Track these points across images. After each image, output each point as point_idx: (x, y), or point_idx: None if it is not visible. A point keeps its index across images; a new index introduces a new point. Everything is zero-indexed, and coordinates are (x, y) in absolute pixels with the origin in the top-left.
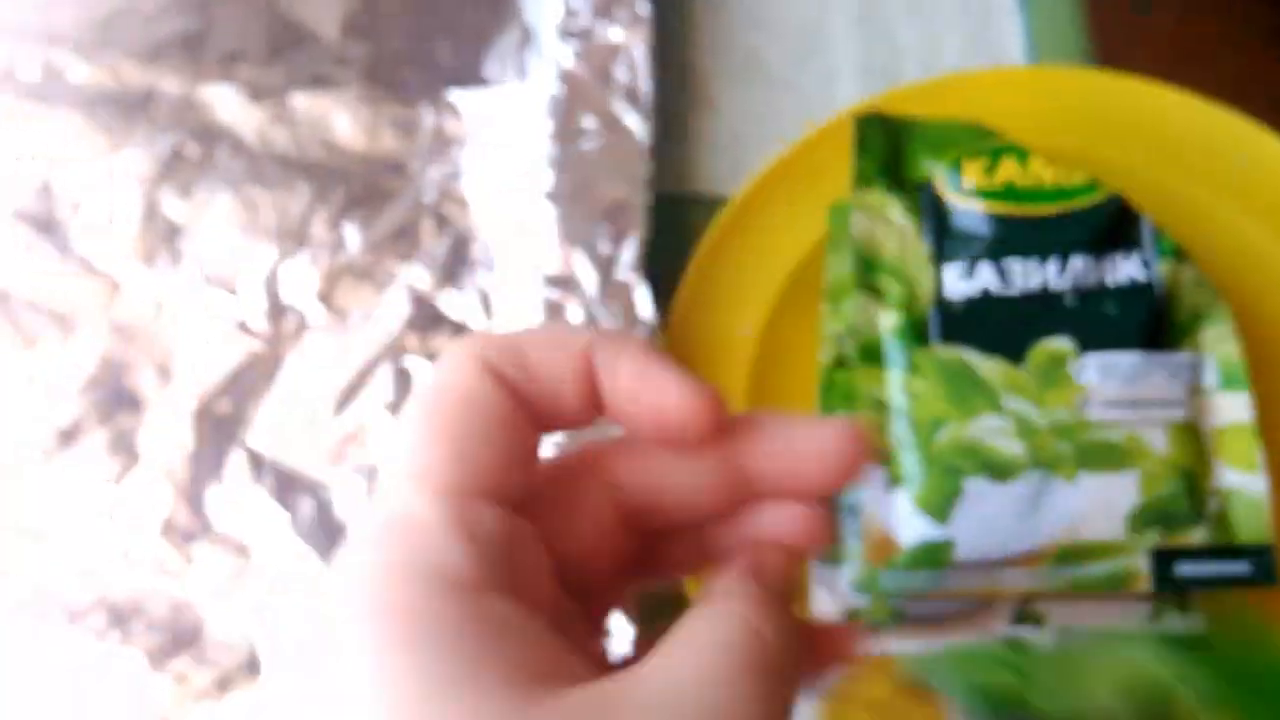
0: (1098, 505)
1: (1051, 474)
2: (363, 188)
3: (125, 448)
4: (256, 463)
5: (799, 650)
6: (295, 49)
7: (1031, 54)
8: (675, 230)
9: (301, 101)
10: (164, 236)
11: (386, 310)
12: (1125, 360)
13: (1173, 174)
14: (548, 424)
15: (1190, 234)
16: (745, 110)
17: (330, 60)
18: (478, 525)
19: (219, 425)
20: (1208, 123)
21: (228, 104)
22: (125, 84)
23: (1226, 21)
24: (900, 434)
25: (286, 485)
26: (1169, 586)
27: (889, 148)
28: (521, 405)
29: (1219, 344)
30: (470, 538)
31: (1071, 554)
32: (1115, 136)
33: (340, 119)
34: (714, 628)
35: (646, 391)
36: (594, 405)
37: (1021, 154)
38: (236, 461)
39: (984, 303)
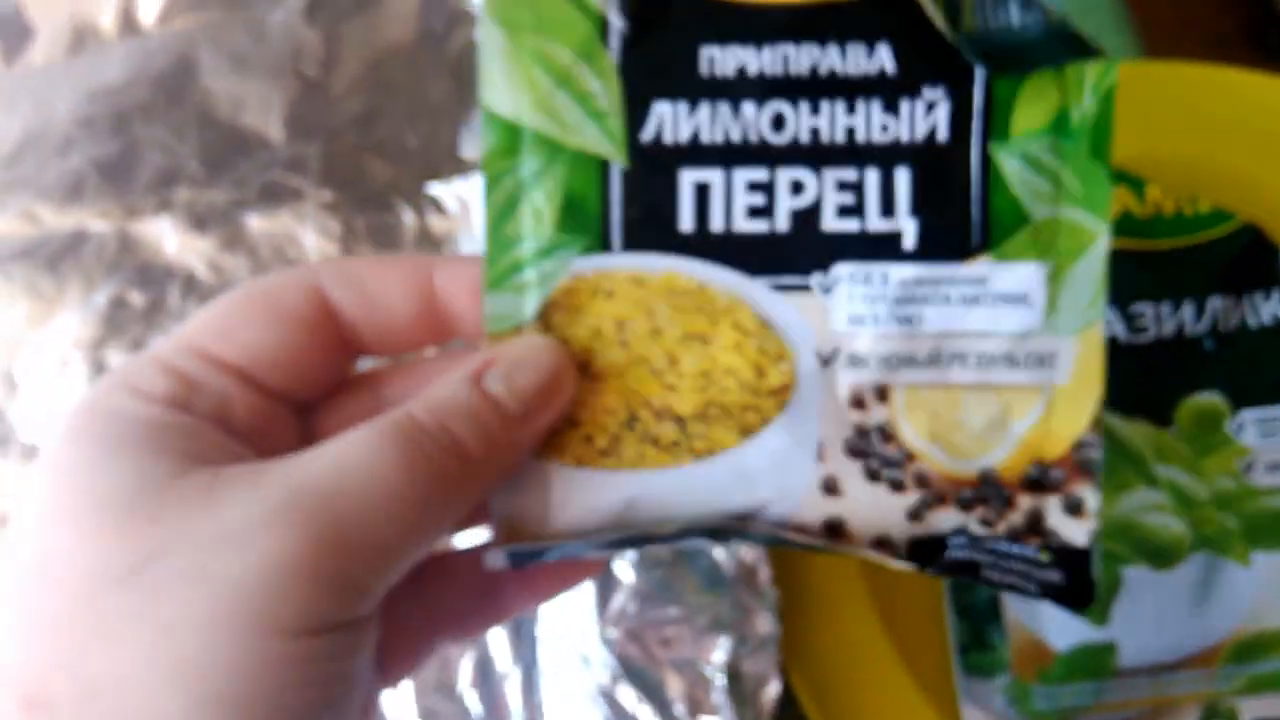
0: (1275, 588)
1: (1220, 555)
2: None
3: None
4: None
5: (478, 460)
6: (238, 159)
7: None
8: None
9: (256, 221)
10: None
11: None
12: None
13: None
14: (378, 342)
15: None
16: None
17: (280, 166)
18: (188, 368)
19: None
20: None
21: (169, 236)
22: (45, 230)
23: None
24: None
25: None
26: None
27: None
28: (334, 319)
29: None
30: (169, 371)
31: (1252, 647)
32: (1220, 137)
33: (305, 234)
34: (380, 420)
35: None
36: (435, 326)
37: (1135, 181)
38: None
39: (1112, 355)
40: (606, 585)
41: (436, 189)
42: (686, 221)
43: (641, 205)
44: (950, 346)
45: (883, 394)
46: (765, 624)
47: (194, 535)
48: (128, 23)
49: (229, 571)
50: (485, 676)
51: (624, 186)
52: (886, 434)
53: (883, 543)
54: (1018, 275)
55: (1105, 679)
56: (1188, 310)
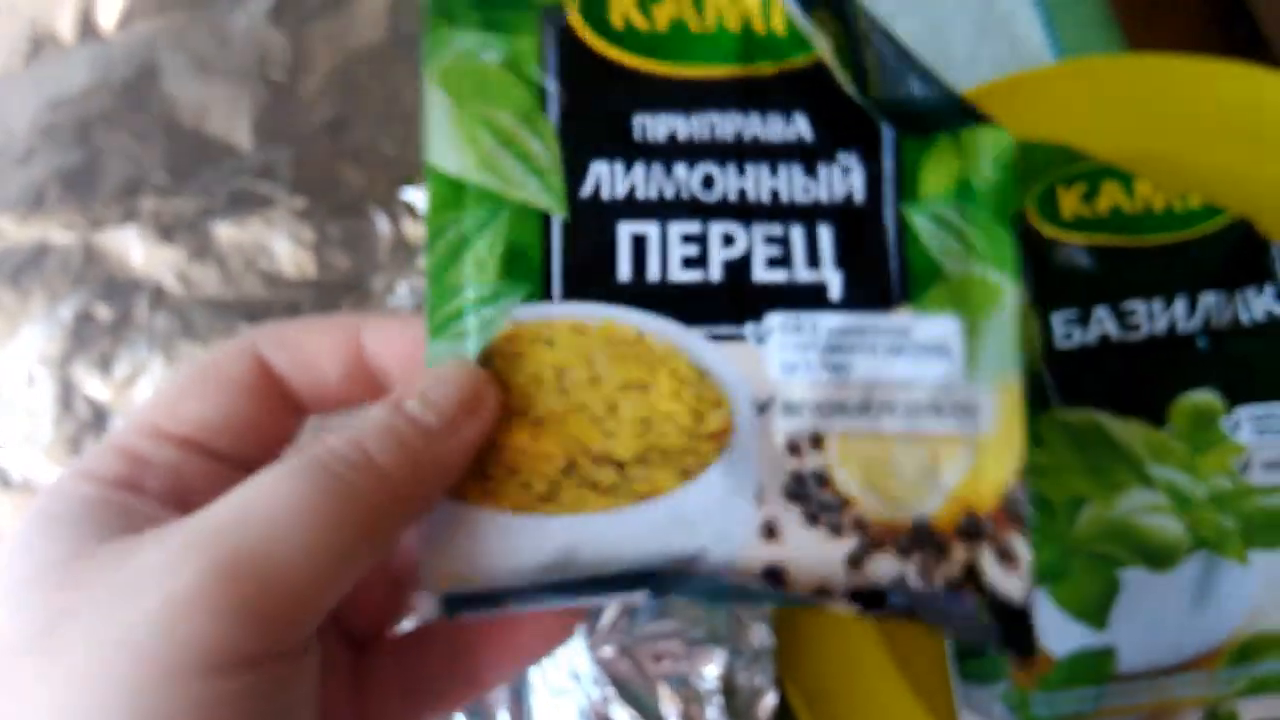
0: (1275, 588)
1: (1218, 555)
2: None
3: None
4: None
5: (398, 479)
6: (204, 166)
7: (1050, 32)
8: None
9: (225, 229)
10: (88, 425)
11: None
12: None
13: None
14: (314, 402)
15: None
16: None
17: (249, 173)
18: (139, 447)
19: None
20: None
21: (136, 247)
22: (8, 243)
23: None
24: (1030, 519)
25: None
26: None
27: None
28: (275, 382)
29: None
30: (122, 453)
31: (1253, 648)
32: (1207, 131)
33: (277, 242)
34: (293, 453)
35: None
36: (364, 384)
37: (1124, 176)
38: None
39: (1104, 353)
40: None
41: (411, 194)
42: (624, 271)
43: (581, 255)
44: (879, 395)
45: (818, 441)
46: (760, 636)
47: (102, 591)
48: (87, 28)
49: (132, 617)
50: None
51: (564, 237)
52: (822, 480)
53: (823, 592)
54: (936, 326)
55: (1105, 684)
56: (1180, 307)
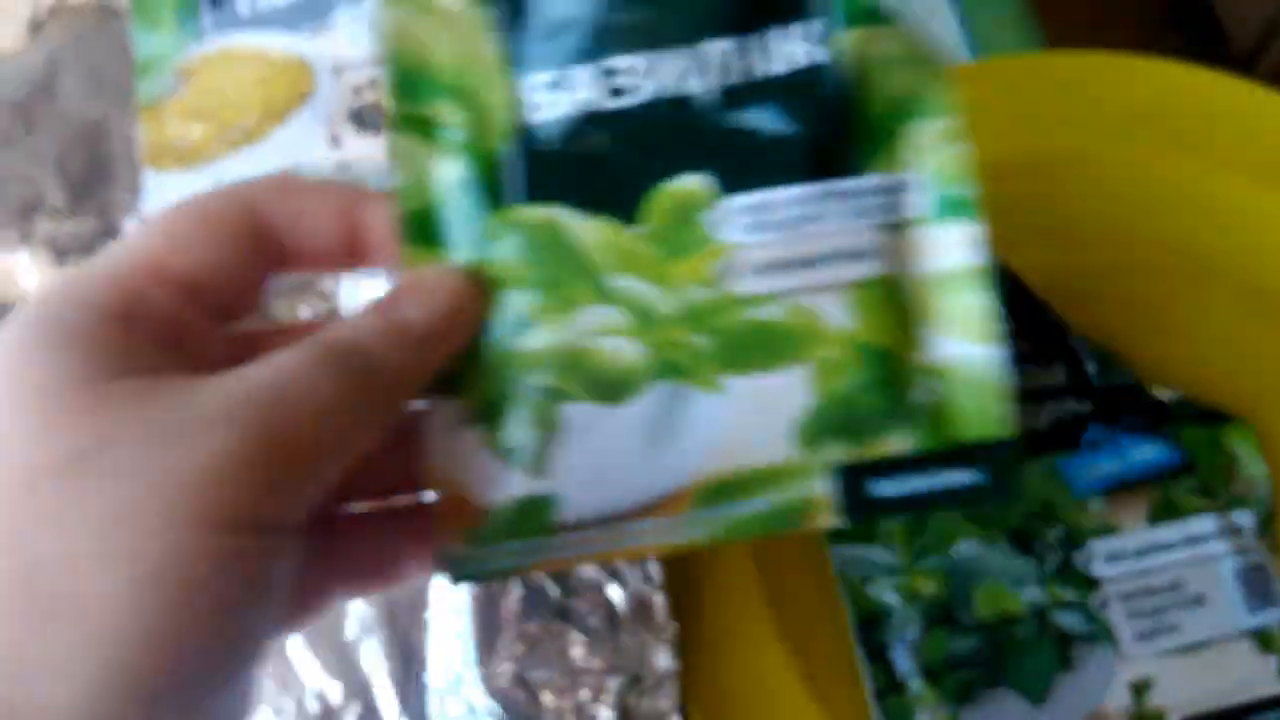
0: (753, 418)
1: (684, 383)
2: None
3: None
4: None
5: (414, 366)
6: (104, 185)
7: (966, 31)
8: None
9: None
10: None
11: None
12: (783, 199)
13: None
14: (303, 260)
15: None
16: None
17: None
18: (137, 283)
19: None
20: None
21: (28, 272)
22: None
23: None
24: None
25: None
26: (863, 515)
27: None
28: (270, 234)
29: (935, 150)
30: (118, 287)
31: (722, 490)
32: (1122, 129)
33: None
34: (310, 341)
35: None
36: (353, 251)
37: None
38: None
39: (587, 129)
40: (491, 626)
41: None
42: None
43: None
44: None
45: (374, 84)
46: (663, 660)
47: (133, 431)
48: None
49: (171, 465)
50: None
51: None
52: (375, 107)
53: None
54: None
55: (546, 536)
56: (678, 62)
